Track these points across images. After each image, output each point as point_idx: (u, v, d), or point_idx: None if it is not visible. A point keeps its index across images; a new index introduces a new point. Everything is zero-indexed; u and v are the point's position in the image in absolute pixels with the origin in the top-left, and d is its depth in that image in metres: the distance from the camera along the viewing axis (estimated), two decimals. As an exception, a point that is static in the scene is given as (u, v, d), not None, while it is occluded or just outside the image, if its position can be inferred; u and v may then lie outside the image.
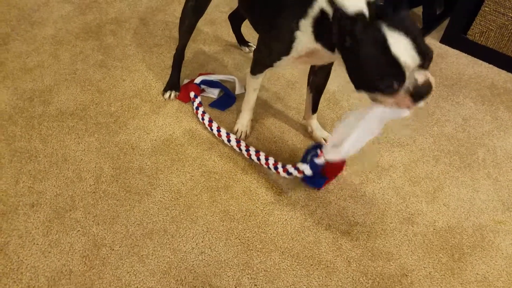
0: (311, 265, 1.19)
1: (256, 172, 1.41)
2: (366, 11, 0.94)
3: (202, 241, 1.21)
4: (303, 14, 1.06)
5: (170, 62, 1.66)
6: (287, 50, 1.15)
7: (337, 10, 0.95)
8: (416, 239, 1.29)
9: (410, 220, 1.33)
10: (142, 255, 1.16)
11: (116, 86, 1.66)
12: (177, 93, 1.63)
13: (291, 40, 1.12)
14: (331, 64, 1.35)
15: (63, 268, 1.12)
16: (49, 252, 1.15)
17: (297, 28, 1.09)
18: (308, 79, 1.44)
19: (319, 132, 1.54)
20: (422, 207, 1.37)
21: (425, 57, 0.91)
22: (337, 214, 1.32)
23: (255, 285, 1.14)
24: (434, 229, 1.32)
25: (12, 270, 1.11)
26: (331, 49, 1.05)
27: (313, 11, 1.04)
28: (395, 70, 0.90)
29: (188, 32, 1.55)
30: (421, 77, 0.92)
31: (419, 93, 0.93)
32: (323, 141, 1.51)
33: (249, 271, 1.16)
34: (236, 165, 1.42)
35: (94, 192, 1.30)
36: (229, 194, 1.34)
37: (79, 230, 1.20)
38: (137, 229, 1.22)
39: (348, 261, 1.21)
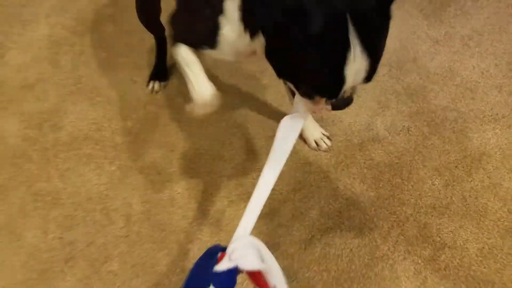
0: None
1: None
2: None
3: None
4: None
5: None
6: (211, 42, 0.80)
7: None
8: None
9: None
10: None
11: (128, 91, 1.40)
12: (162, 83, 1.38)
13: (214, 27, 0.77)
14: None
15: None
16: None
17: (220, 11, 0.75)
18: None
19: (309, 132, 1.19)
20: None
21: (369, 78, 0.69)
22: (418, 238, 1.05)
23: None
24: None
25: None
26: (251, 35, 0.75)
27: None
28: (335, 84, 0.68)
29: (152, 19, 1.26)
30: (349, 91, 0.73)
31: (338, 106, 0.75)
32: (314, 144, 1.17)
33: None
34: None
35: (126, 236, 1.14)
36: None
37: (119, 286, 1.08)
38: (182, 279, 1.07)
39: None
